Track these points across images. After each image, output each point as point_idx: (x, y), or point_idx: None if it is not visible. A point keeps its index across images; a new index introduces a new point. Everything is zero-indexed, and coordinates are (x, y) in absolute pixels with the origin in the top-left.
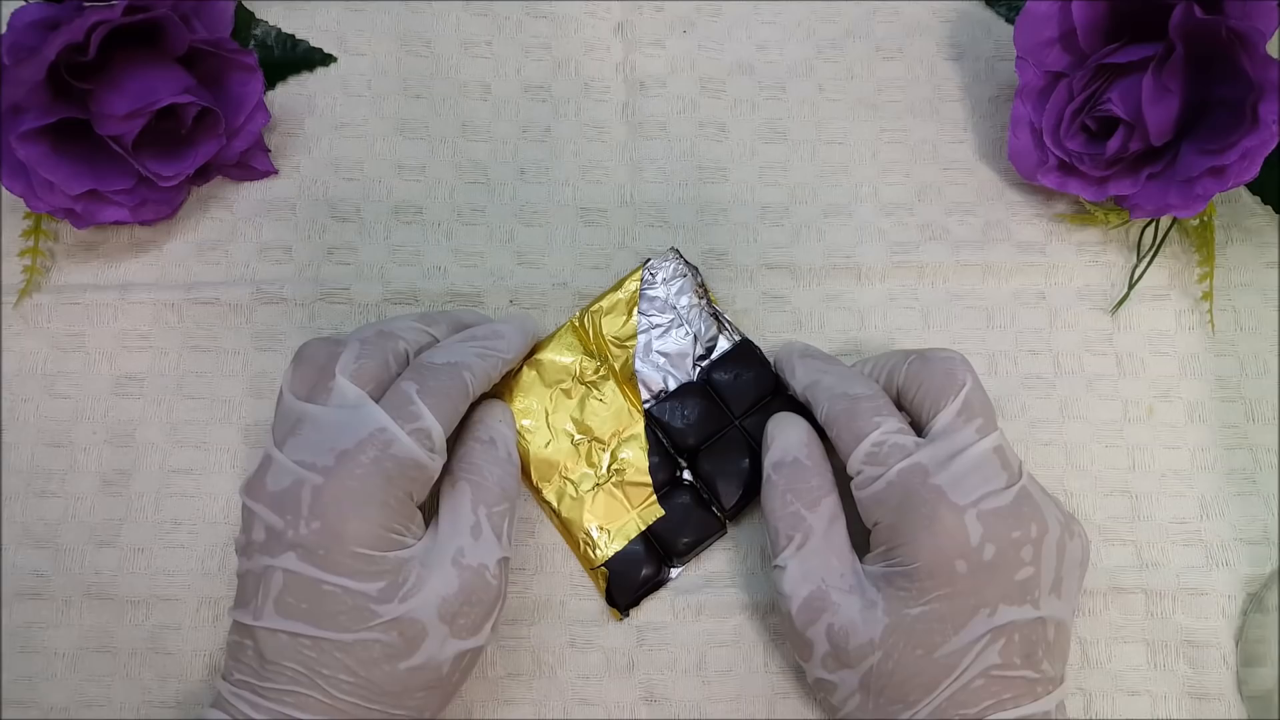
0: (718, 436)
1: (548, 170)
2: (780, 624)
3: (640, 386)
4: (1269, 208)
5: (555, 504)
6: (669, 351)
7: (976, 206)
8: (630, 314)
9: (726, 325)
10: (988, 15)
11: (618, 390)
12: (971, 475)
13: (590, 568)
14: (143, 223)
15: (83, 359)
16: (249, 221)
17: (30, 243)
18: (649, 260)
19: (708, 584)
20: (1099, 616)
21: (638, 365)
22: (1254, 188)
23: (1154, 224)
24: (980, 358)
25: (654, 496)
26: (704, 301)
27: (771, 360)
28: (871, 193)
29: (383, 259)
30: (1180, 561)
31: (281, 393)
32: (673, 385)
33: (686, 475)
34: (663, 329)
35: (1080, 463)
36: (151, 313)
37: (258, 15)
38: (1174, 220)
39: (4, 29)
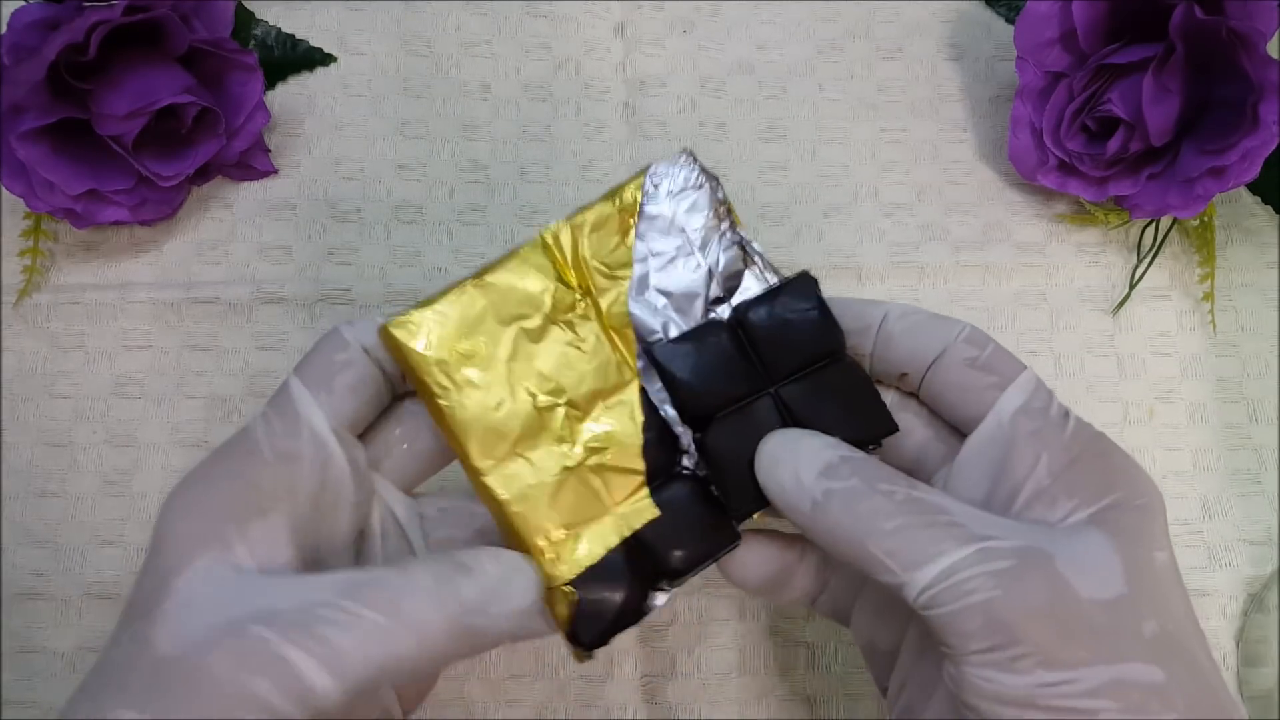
0: (742, 405)
1: (548, 170)
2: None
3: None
4: (1269, 208)
5: (502, 494)
6: (672, 290)
7: (976, 206)
8: (626, 234)
9: (756, 259)
10: (988, 15)
11: (603, 337)
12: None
13: (551, 586)
14: (143, 223)
15: (83, 359)
16: (249, 221)
17: (30, 243)
18: (651, 165)
19: (708, 584)
20: None
21: (630, 306)
22: (1254, 188)
23: (1154, 224)
24: None
25: (646, 489)
26: (726, 224)
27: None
28: (871, 193)
29: (383, 259)
30: (1182, 562)
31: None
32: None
33: (689, 461)
34: (666, 258)
35: None
36: (151, 312)
37: (258, 15)
38: (1174, 221)
39: (4, 29)
